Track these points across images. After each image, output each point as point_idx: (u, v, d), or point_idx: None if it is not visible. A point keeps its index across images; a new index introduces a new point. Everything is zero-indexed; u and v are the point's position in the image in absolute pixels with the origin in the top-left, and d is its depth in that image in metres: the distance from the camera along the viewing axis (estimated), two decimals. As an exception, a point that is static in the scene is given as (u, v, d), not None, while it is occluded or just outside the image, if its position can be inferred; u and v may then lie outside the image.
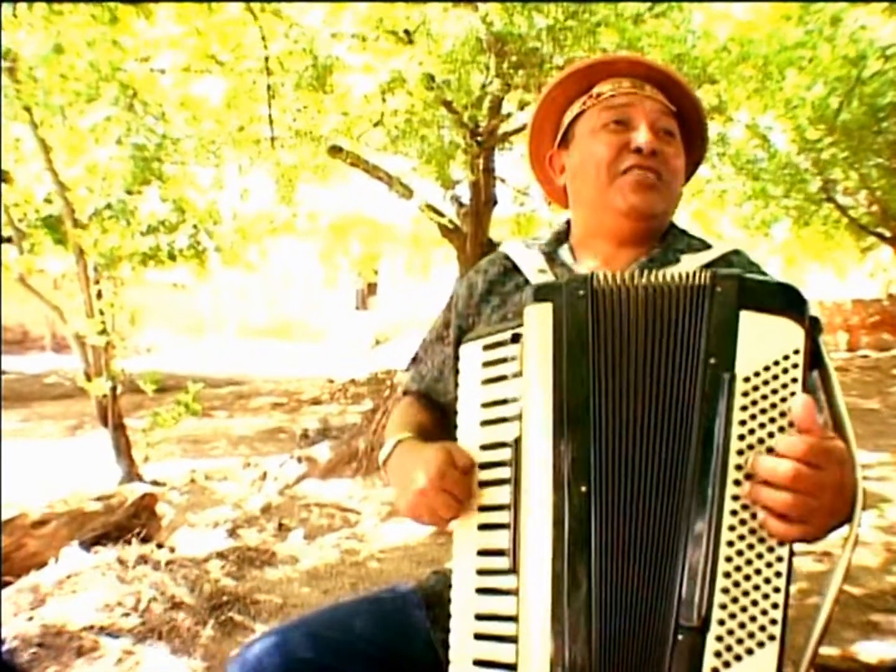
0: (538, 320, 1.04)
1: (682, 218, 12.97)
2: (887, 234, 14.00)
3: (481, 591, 1.04)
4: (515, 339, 1.07)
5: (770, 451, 0.90)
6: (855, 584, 3.11)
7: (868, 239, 15.20)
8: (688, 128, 1.34)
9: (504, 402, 1.07)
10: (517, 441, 1.03)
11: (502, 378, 1.08)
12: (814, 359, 0.99)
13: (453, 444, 1.13)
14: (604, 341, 1.01)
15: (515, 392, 1.05)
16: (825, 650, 2.54)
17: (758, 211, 13.53)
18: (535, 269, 1.32)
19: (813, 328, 0.97)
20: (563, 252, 1.37)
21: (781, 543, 0.90)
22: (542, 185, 1.48)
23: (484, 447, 1.08)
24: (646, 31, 7.12)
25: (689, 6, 8.30)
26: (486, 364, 1.11)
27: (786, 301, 0.96)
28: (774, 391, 0.92)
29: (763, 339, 0.94)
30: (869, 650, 2.59)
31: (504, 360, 1.08)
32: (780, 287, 0.99)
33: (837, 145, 11.56)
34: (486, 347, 1.12)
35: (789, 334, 0.94)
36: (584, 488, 0.96)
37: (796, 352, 0.93)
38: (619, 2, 6.98)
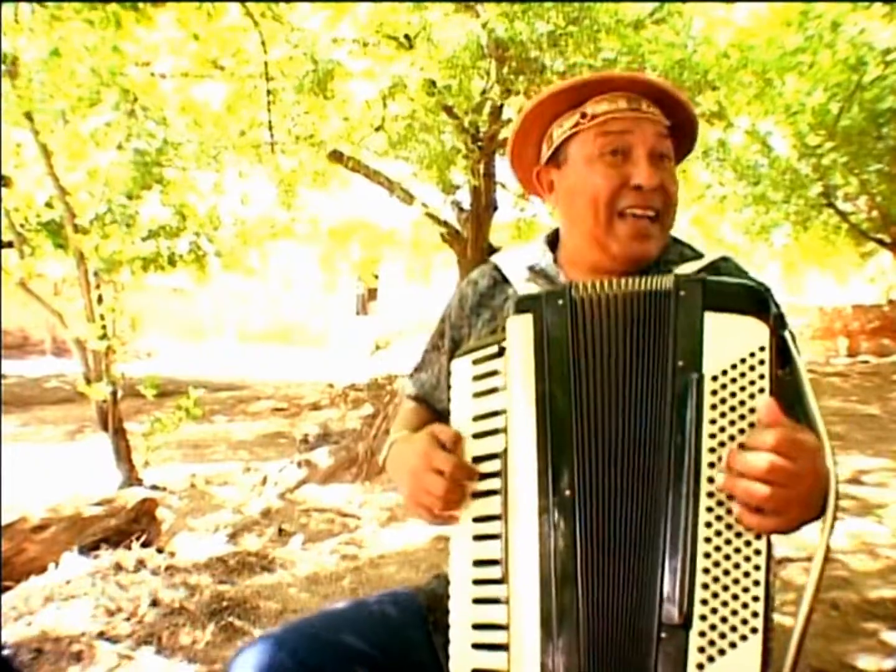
0: (519, 332, 1.06)
1: (682, 223, 12.98)
2: (887, 239, 14.01)
3: (477, 600, 1.05)
4: (501, 352, 1.09)
5: (742, 446, 0.92)
6: (854, 591, 3.11)
7: (868, 244, 15.22)
8: (679, 135, 1.32)
9: (494, 414, 1.08)
10: (505, 452, 1.05)
11: (492, 391, 1.10)
12: (783, 355, 1.01)
13: (438, 424, 1.17)
14: (583, 349, 1.03)
15: (504, 404, 1.07)
16: (824, 657, 2.54)
17: (758, 216, 13.55)
18: (522, 281, 1.32)
19: (778, 326, 0.99)
20: (550, 264, 1.36)
21: (759, 537, 0.91)
22: (525, 185, 1.45)
23: (476, 459, 1.10)
24: (646, 38, 7.15)
25: (690, 12, 8.32)
26: (476, 378, 1.13)
27: (749, 301, 0.99)
28: (743, 388, 0.94)
29: (728, 339, 0.96)
30: (868, 658, 2.58)
31: (492, 374, 1.10)
32: (743, 288, 1.01)
33: (837, 150, 11.58)
34: (476, 362, 1.14)
35: (754, 332, 0.96)
36: (567, 493, 0.98)
37: (762, 349, 0.95)
38: (622, 1, 7.00)
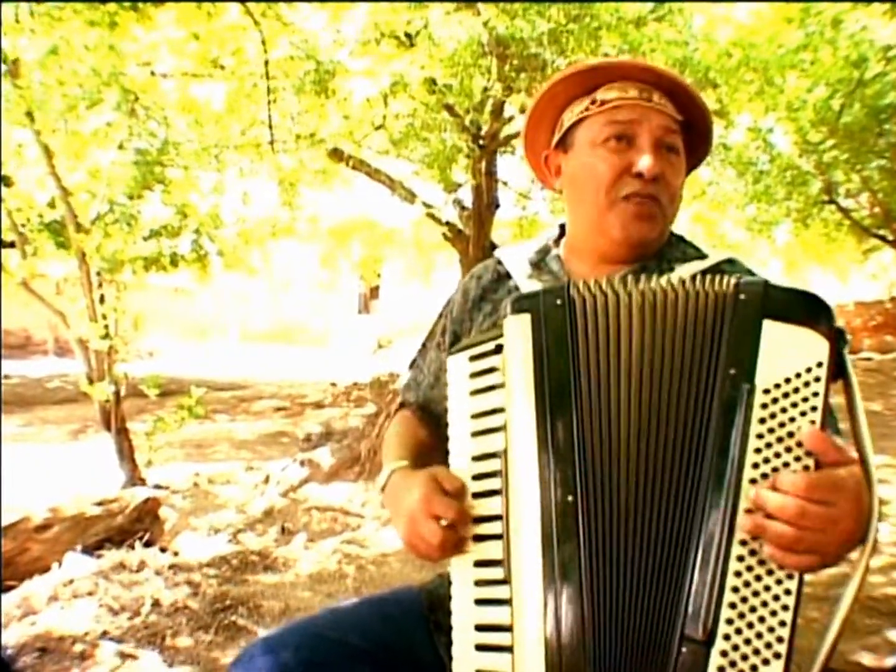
0: (516, 332, 1.04)
1: (683, 220, 12.96)
2: (889, 236, 13.98)
3: (479, 602, 1.03)
4: (498, 349, 1.07)
5: (787, 465, 0.89)
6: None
7: (870, 241, 15.18)
8: (693, 133, 1.31)
9: (493, 412, 1.06)
10: (505, 452, 1.02)
11: (490, 388, 1.07)
12: (837, 371, 0.96)
13: (442, 468, 1.12)
14: (587, 348, 1.00)
15: (503, 402, 1.05)
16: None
17: (760, 213, 13.52)
18: (524, 277, 1.31)
19: (838, 340, 0.94)
20: (553, 260, 1.36)
21: None
22: (537, 173, 1.45)
23: (475, 458, 1.08)
24: (647, 35, 7.13)
25: (690, 9, 8.30)
26: (473, 375, 1.11)
27: (811, 311, 0.94)
28: (795, 405, 0.90)
29: (786, 350, 0.92)
30: (872, 655, 2.58)
31: (490, 371, 1.08)
32: (805, 296, 0.96)
33: (839, 147, 11.55)
34: (472, 358, 1.12)
35: (813, 346, 0.92)
36: (570, 497, 0.95)
37: (819, 364, 0.91)
38: (622, 1, 6.98)
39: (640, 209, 1.22)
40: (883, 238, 14.23)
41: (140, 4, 5.15)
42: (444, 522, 1.05)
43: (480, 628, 1.02)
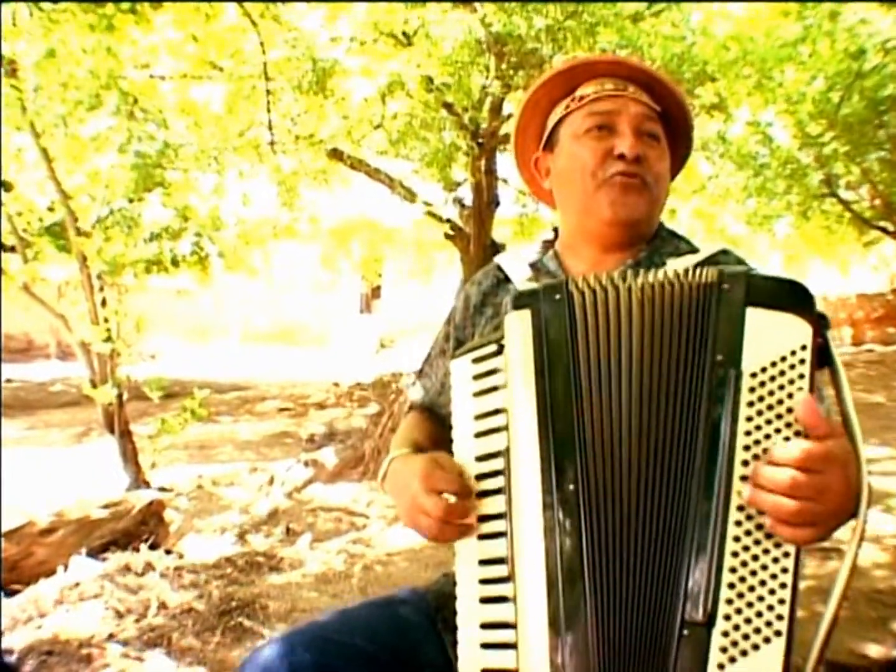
0: (517, 328, 1.05)
1: (683, 216, 12.95)
2: (890, 227, 13.96)
3: (484, 600, 1.04)
4: (500, 350, 1.08)
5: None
6: (864, 581, 3.11)
7: (871, 233, 15.16)
8: (673, 126, 1.34)
9: (496, 412, 1.07)
10: (508, 450, 1.04)
11: (493, 389, 1.08)
12: (822, 355, 0.98)
13: (442, 452, 1.14)
14: (587, 343, 1.01)
15: (505, 402, 1.06)
16: (834, 647, 2.53)
17: (760, 207, 13.50)
18: (522, 279, 1.33)
19: (821, 325, 0.96)
20: (550, 260, 1.38)
21: None
22: (529, 186, 1.49)
23: (479, 458, 1.09)
24: (645, 31, 7.13)
25: (688, 4, 8.30)
26: (476, 377, 1.12)
27: (793, 298, 0.96)
28: (781, 387, 0.92)
29: (770, 336, 0.94)
30: (878, 647, 2.58)
31: (493, 372, 1.09)
32: (787, 284, 0.98)
33: (839, 139, 11.54)
34: (475, 360, 1.13)
35: (796, 330, 0.94)
36: (571, 487, 0.97)
37: (803, 348, 0.93)
38: (618, 0, 6.98)
39: (626, 187, 1.25)
40: (884, 230, 14.21)
41: (138, 6, 5.15)
42: (445, 497, 1.06)
43: (486, 626, 1.02)
